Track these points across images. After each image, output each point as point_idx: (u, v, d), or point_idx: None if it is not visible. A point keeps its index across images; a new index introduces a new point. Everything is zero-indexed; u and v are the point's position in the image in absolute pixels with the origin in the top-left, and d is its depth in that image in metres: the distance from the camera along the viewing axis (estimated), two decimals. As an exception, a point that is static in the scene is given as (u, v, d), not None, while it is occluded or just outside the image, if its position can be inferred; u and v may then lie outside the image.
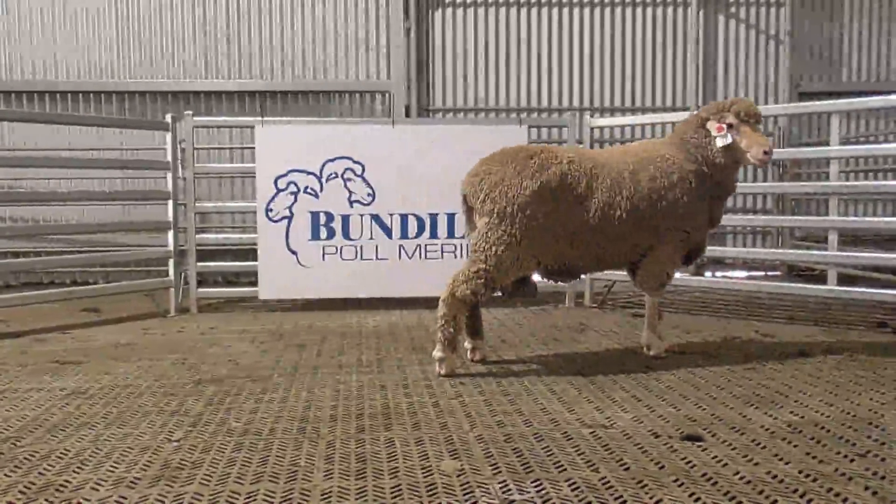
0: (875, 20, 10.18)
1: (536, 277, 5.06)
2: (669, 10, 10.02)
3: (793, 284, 7.55)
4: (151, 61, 9.60)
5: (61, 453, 3.20)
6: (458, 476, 2.91)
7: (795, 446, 3.22)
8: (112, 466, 3.04)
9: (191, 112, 7.40)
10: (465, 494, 2.73)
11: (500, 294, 4.91)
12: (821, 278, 8.07)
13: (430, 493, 2.75)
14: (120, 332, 6.14)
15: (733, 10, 10.10)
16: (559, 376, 4.50)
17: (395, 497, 2.72)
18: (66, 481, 2.89)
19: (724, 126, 4.67)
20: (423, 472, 2.95)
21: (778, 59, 10.10)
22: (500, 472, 2.95)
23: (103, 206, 9.52)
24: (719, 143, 4.69)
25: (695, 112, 4.99)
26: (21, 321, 6.64)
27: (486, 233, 4.55)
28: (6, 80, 9.48)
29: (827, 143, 7.12)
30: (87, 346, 5.55)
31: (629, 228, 4.66)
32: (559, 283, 5.20)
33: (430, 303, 7.14)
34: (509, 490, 2.77)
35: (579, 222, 4.60)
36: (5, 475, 2.96)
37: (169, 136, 7.18)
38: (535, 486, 2.80)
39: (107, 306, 7.49)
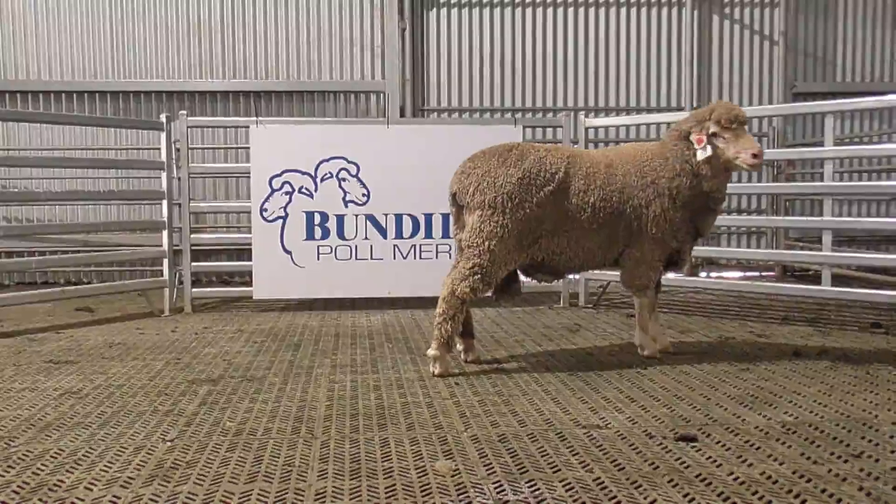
0: (869, 20, 10.21)
1: (522, 277, 5.07)
2: (664, 10, 10.03)
3: (787, 285, 7.57)
4: (146, 61, 9.58)
5: (55, 453, 3.19)
6: (453, 476, 2.91)
7: (789, 447, 3.23)
8: (106, 466, 3.03)
9: (185, 112, 7.39)
10: (459, 494, 2.73)
11: (488, 295, 4.91)
12: (815, 279, 8.09)
13: (425, 493, 2.75)
14: (114, 332, 6.12)
15: (728, 10, 10.12)
16: (553, 376, 4.50)
17: (390, 497, 2.72)
18: (60, 481, 2.88)
19: (705, 137, 4.64)
20: (417, 472, 2.95)
21: (772, 59, 10.12)
22: (494, 472, 2.95)
23: (98, 206, 9.51)
24: (700, 155, 4.65)
25: (678, 121, 4.94)
26: (15, 321, 6.62)
27: (480, 226, 4.60)
28: (0, 79, 9.45)
29: (821, 144, 7.14)
30: (81, 346, 5.53)
31: (602, 221, 4.73)
32: (542, 281, 5.20)
33: (424, 303, 7.15)
34: (503, 490, 2.77)
35: (561, 211, 4.68)
36: (0, 474, 2.95)
37: (164, 136, 7.17)
38: (530, 486, 2.80)
39: (101, 306, 7.48)
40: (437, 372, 4.53)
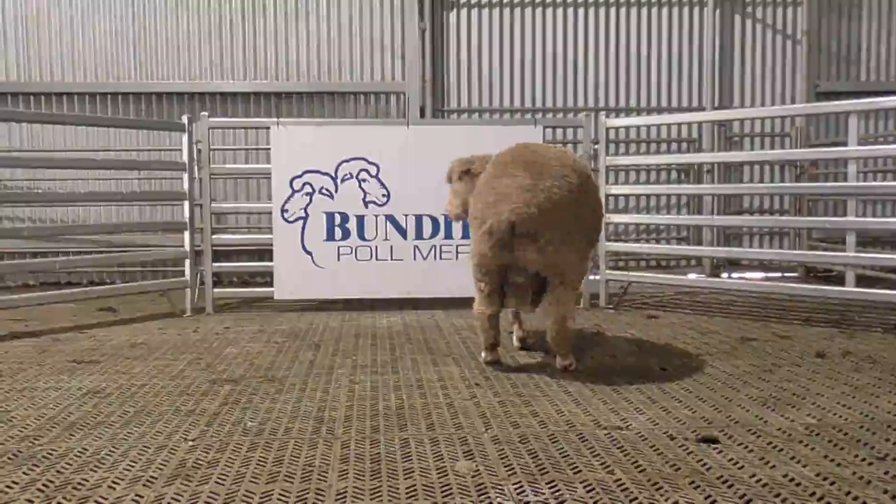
0: (894, 18, 10.08)
1: None
2: (685, 9, 9.96)
3: (810, 286, 7.48)
4: (168, 63, 9.66)
5: (79, 452, 3.23)
6: (473, 477, 2.90)
7: (813, 449, 3.20)
8: (128, 465, 3.06)
9: (207, 113, 7.44)
10: (479, 495, 2.73)
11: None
12: (838, 280, 7.99)
13: (445, 493, 2.75)
14: (137, 332, 6.18)
15: (750, 9, 10.04)
16: (574, 377, 4.48)
17: (410, 497, 2.72)
18: (84, 480, 2.91)
19: None
20: (437, 473, 2.95)
21: (795, 58, 10.02)
22: (514, 473, 2.94)
23: (120, 207, 9.60)
24: None
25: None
26: (39, 321, 6.70)
27: (579, 258, 4.62)
28: (24, 81, 9.57)
29: (845, 144, 7.05)
30: (104, 346, 5.59)
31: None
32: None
33: (444, 304, 7.16)
34: (524, 491, 2.76)
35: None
36: (24, 473, 2.98)
37: (185, 137, 7.22)
38: (550, 488, 2.79)
39: (123, 306, 7.55)
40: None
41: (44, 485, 2.86)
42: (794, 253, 8.85)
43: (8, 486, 2.84)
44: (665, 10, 9.96)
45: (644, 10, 9.95)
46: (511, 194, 4.29)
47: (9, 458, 3.15)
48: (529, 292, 4.63)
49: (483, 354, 4.85)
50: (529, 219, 4.24)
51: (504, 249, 4.32)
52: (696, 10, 9.95)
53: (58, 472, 3.00)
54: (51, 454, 3.20)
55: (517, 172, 4.39)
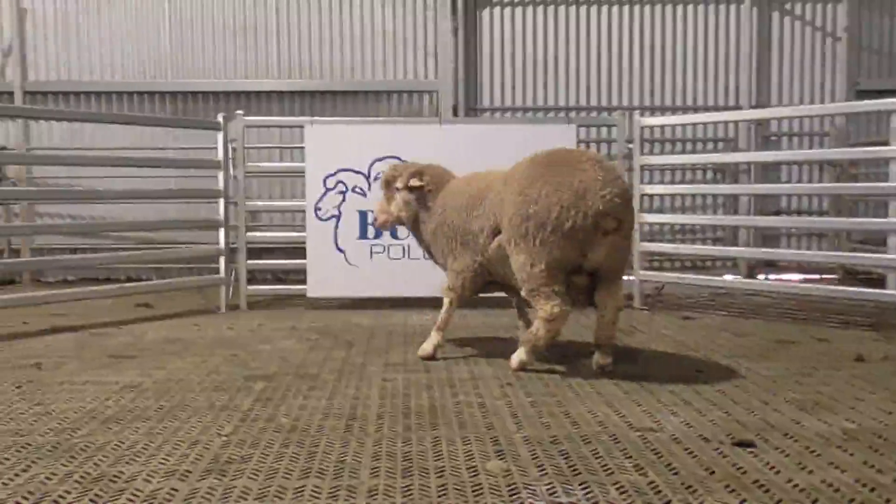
0: (938, 16, 9.86)
1: None
2: (722, 7, 9.84)
3: (849, 288, 7.34)
4: (203, 62, 9.78)
5: (115, 445, 3.27)
6: (505, 477, 2.89)
7: (851, 455, 3.13)
8: (164, 459, 3.10)
9: (242, 112, 7.52)
10: (511, 495, 2.72)
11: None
12: (879, 282, 7.83)
13: (476, 493, 2.74)
14: (172, 328, 6.26)
15: (788, 6, 9.88)
16: (607, 378, 4.45)
17: (441, 496, 2.72)
18: (120, 472, 2.95)
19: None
20: (469, 472, 2.94)
21: (835, 56, 9.85)
22: (546, 473, 2.92)
23: (157, 205, 9.73)
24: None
25: None
26: (78, 316, 6.82)
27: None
28: (64, 80, 9.75)
29: (886, 143, 6.91)
30: (141, 341, 5.67)
31: None
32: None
33: (475, 302, 7.11)
34: (556, 492, 2.74)
35: None
36: (62, 465, 3.03)
37: (220, 136, 7.30)
38: (583, 489, 2.77)
39: (159, 302, 7.65)
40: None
41: (81, 477, 2.91)
42: (833, 254, 8.69)
43: (47, 478, 2.90)
44: (701, 8, 9.85)
45: (680, 8, 9.85)
46: (589, 189, 4.22)
47: (48, 450, 3.21)
48: (585, 293, 4.57)
49: (527, 358, 4.59)
50: (616, 208, 4.22)
51: (577, 247, 4.26)
52: (733, 7, 9.82)
53: (95, 464, 3.05)
54: (88, 447, 3.26)
55: (581, 170, 4.31)
